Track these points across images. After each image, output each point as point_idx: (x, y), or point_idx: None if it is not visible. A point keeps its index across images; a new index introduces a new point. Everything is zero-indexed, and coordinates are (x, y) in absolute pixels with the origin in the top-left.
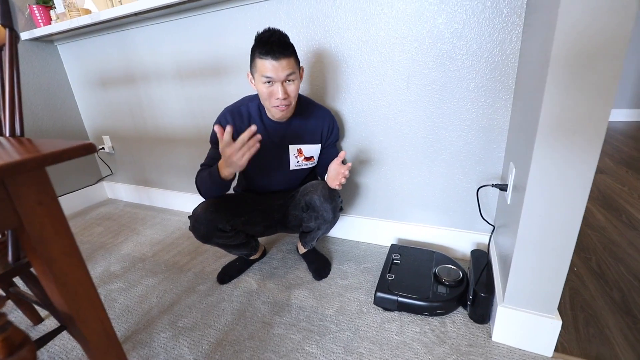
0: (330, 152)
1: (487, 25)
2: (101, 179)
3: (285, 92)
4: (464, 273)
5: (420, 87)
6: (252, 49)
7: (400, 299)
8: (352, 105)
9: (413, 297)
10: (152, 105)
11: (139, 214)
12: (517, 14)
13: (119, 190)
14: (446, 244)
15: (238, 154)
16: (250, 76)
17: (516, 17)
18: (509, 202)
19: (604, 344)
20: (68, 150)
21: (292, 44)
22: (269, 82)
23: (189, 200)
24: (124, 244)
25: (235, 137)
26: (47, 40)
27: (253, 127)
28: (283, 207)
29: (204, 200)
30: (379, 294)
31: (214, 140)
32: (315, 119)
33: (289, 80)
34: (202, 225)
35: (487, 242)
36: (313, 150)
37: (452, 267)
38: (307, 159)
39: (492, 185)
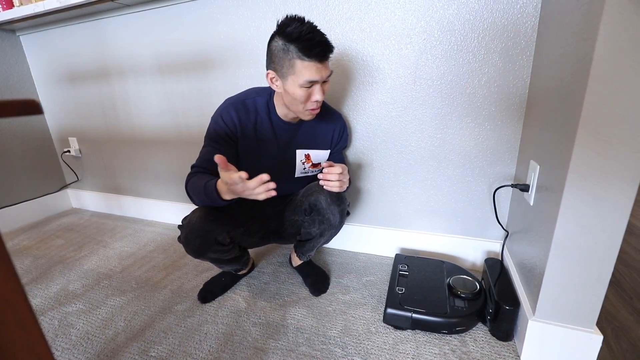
0: (337, 159)
1: (502, 16)
2: (65, 186)
3: (323, 93)
4: (480, 284)
5: (428, 82)
6: (283, 46)
7: (414, 315)
8: (352, 102)
9: (429, 312)
10: (127, 103)
11: (108, 225)
12: (532, 4)
13: (85, 199)
14: (453, 253)
15: (252, 192)
16: (274, 76)
17: (532, 7)
18: (531, 204)
19: None
20: None
21: None
22: (310, 86)
23: (168, 210)
24: (87, 258)
25: (238, 132)
26: (8, 29)
27: (265, 177)
28: (279, 214)
29: (197, 207)
30: (390, 310)
31: (212, 136)
32: (326, 122)
33: (325, 81)
34: (198, 237)
35: (498, 250)
36: (321, 156)
37: (467, 277)
38: (315, 165)
39: (512, 186)
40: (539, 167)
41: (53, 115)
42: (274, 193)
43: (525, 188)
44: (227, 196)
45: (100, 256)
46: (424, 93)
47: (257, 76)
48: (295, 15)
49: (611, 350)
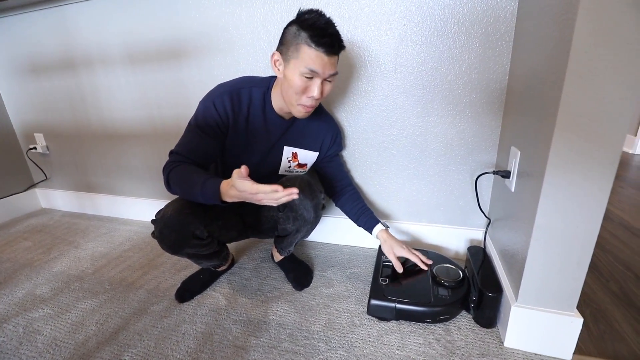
0: (336, 162)
1: (481, 0)
2: (33, 186)
3: (322, 92)
4: (463, 272)
5: (408, 69)
6: (296, 31)
7: (398, 305)
8: (331, 92)
9: (413, 302)
10: (96, 96)
11: (80, 225)
12: None
13: (55, 198)
14: (436, 242)
15: (271, 200)
16: (278, 58)
17: None
18: (513, 190)
19: (618, 340)
20: None
21: None
22: (310, 77)
23: (144, 207)
24: (57, 261)
25: (230, 123)
26: None
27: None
28: (256, 209)
29: (173, 199)
30: (374, 302)
31: (200, 123)
32: (319, 125)
33: (328, 80)
34: (174, 231)
35: (481, 238)
36: (309, 157)
37: (450, 266)
38: (300, 165)
39: (493, 173)
40: (519, 153)
41: (16, 110)
42: (295, 196)
43: (506, 174)
44: (229, 199)
45: (71, 257)
46: (404, 81)
47: (233, 65)
48: (317, 9)
49: (590, 332)
